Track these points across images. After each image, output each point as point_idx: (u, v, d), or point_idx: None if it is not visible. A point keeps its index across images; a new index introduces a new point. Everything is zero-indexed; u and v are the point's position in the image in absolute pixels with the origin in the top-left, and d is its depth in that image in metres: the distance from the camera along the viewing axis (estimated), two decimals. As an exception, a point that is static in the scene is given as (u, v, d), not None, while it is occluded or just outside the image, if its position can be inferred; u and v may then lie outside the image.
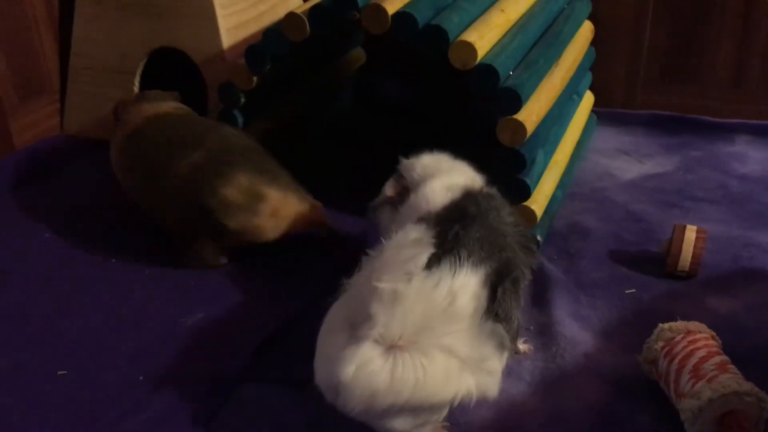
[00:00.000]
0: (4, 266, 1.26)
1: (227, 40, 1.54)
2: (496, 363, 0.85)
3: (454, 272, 0.82)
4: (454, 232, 0.86)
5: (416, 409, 0.81)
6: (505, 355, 0.86)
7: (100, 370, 1.02)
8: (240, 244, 1.22)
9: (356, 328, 0.80)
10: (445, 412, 0.85)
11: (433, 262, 0.82)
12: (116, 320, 1.13)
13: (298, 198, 1.23)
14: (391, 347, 0.79)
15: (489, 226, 0.90)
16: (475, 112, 1.77)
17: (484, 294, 0.84)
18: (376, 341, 0.79)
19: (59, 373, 1.02)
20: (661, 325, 0.98)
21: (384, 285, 0.79)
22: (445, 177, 1.01)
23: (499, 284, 0.85)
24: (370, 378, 0.78)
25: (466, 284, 0.82)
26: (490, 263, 0.86)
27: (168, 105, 1.33)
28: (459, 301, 0.81)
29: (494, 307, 0.84)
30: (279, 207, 1.20)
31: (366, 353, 0.78)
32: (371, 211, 1.14)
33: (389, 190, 1.10)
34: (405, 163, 1.10)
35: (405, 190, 1.07)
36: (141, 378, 1.01)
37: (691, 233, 1.19)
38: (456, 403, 0.82)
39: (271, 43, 1.29)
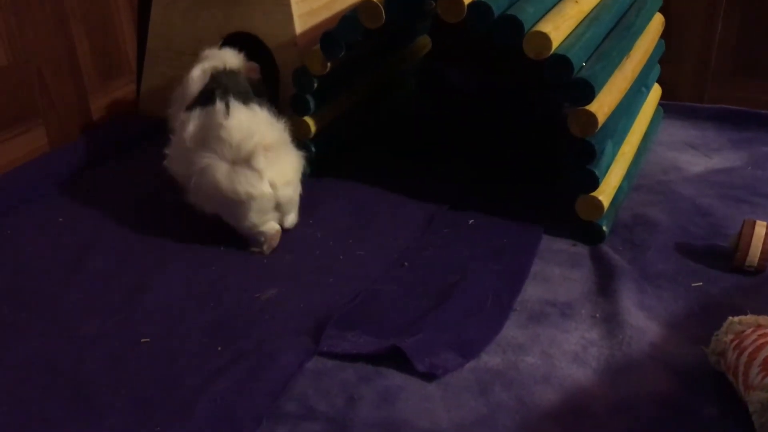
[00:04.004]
0: (88, 240, 1.32)
1: (300, 26, 1.57)
2: None
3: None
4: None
5: None
6: None
7: (180, 340, 1.08)
8: None
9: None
10: None
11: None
12: (194, 294, 1.18)
13: None
14: None
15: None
16: (539, 101, 1.78)
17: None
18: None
19: (142, 341, 1.08)
20: (730, 318, 0.98)
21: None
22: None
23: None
24: None
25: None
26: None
27: None
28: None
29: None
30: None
31: None
32: None
33: None
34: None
35: None
36: (219, 348, 1.05)
37: (761, 228, 1.18)
38: None
39: (347, 30, 1.32)
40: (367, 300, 1.14)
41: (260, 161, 1.22)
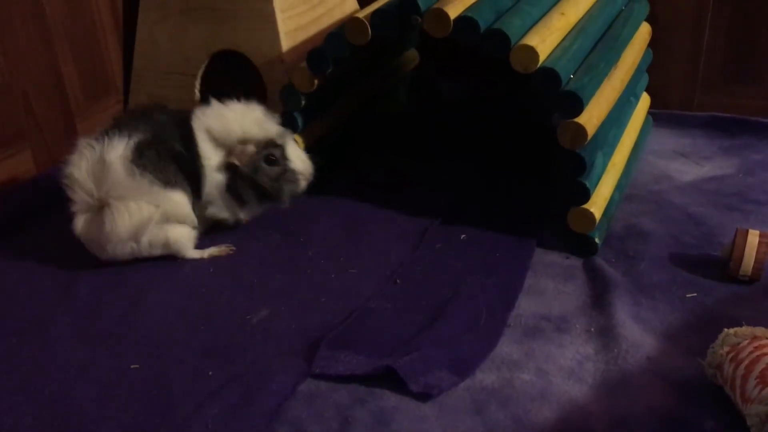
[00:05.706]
0: (76, 264, 1.31)
1: (286, 43, 1.56)
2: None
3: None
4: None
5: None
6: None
7: (171, 365, 1.06)
8: None
9: None
10: None
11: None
12: (184, 318, 1.16)
13: None
14: None
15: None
16: (530, 111, 1.78)
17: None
18: None
19: (132, 366, 1.06)
20: (726, 330, 0.97)
21: None
22: None
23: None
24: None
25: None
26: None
27: None
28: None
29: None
30: None
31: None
32: None
33: None
34: None
35: None
36: (210, 373, 1.04)
37: (754, 237, 1.18)
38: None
39: (333, 47, 1.32)
40: (360, 319, 1.13)
41: (77, 223, 1.27)
